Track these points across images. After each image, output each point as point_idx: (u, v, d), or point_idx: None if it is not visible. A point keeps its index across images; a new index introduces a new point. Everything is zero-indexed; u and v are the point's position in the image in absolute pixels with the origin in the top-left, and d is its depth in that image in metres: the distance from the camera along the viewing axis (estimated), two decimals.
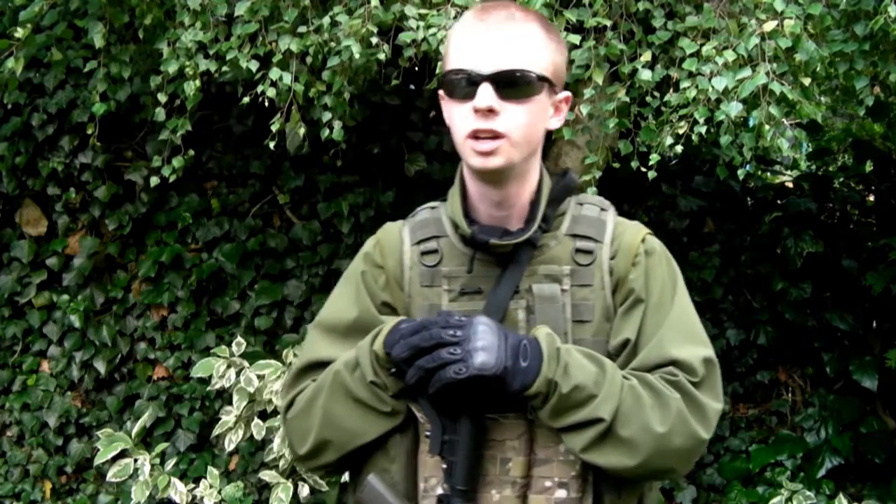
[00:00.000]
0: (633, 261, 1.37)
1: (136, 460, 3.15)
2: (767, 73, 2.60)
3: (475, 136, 1.29)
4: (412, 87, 3.89)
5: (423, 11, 2.70)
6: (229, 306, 4.10)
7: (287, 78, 2.84)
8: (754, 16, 2.68)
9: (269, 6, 2.83)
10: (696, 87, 2.67)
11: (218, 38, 2.93)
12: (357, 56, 2.69)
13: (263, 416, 3.22)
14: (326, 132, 2.95)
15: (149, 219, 4.11)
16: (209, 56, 2.94)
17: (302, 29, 2.83)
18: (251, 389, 3.15)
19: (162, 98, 3.10)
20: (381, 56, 2.77)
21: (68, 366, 4.11)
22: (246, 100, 2.95)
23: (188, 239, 4.13)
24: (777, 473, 3.99)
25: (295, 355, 3.18)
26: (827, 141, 4.76)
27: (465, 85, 1.28)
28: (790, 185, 4.73)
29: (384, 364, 1.32)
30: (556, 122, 1.39)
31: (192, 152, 3.32)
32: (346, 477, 1.49)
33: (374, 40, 2.71)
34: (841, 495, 3.50)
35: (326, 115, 2.93)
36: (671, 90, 2.77)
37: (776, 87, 2.58)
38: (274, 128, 2.97)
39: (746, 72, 2.63)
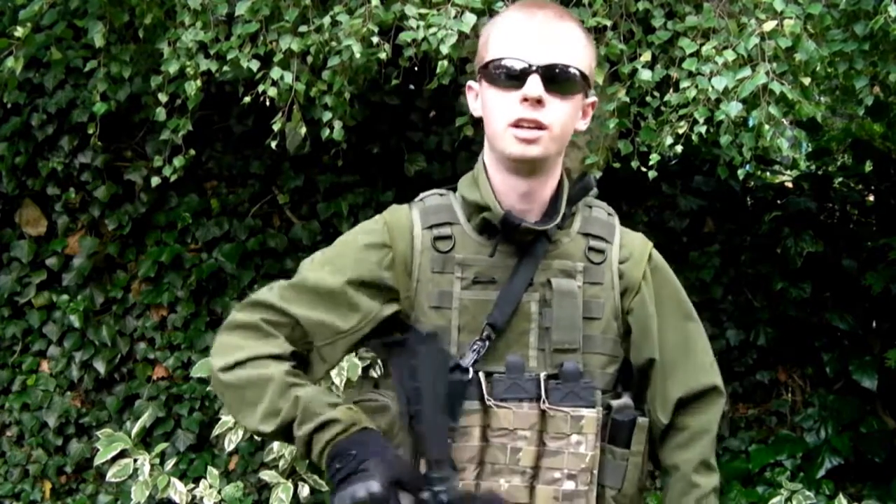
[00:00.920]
0: (644, 273, 1.41)
1: (135, 460, 3.13)
2: (767, 73, 2.60)
3: (518, 124, 1.30)
4: (412, 87, 3.89)
5: (423, 11, 2.70)
6: (229, 306, 4.09)
7: (288, 77, 2.84)
8: (754, 15, 2.68)
9: (269, 6, 2.83)
10: (696, 86, 2.67)
11: (218, 37, 2.93)
12: (357, 56, 2.69)
13: None
14: (327, 132, 2.95)
15: (148, 219, 4.11)
16: (210, 56, 2.94)
17: (303, 28, 2.83)
18: None
19: (162, 98, 3.10)
20: (382, 56, 2.78)
21: (68, 366, 4.11)
22: (247, 99, 2.96)
23: (188, 239, 4.12)
24: (777, 473, 3.98)
25: None
26: (827, 141, 4.76)
27: (513, 74, 1.30)
28: (790, 184, 4.73)
29: (315, 459, 1.27)
30: (582, 125, 1.41)
31: (192, 152, 3.32)
32: None
33: (375, 40, 2.71)
34: (841, 495, 3.50)
35: (327, 115, 2.93)
36: (671, 90, 2.78)
37: (776, 87, 2.59)
38: (275, 127, 2.97)
39: (746, 72, 2.63)
